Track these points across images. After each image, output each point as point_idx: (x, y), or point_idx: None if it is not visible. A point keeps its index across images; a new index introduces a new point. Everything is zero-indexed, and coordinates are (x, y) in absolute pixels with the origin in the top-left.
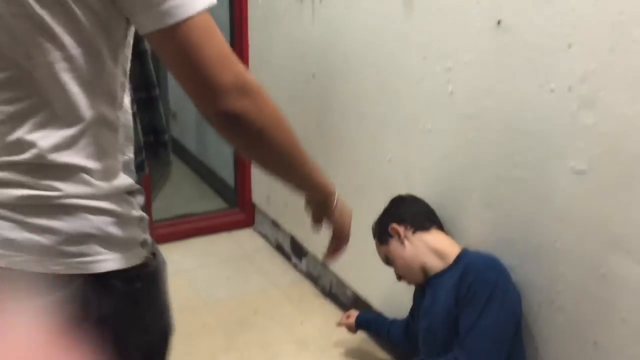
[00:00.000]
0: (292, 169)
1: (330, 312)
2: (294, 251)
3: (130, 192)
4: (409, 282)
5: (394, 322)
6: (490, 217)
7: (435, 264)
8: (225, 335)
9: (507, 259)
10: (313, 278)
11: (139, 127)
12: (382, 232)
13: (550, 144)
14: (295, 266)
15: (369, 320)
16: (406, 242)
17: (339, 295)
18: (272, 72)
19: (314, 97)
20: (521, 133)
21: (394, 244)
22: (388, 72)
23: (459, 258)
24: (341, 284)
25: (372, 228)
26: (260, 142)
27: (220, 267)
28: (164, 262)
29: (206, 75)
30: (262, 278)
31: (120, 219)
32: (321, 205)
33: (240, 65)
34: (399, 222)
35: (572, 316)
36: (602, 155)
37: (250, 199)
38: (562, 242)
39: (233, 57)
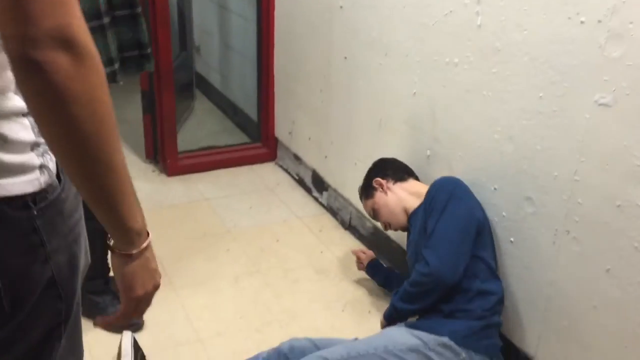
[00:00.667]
0: (89, 169)
1: (349, 244)
2: (315, 185)
3: (25, 114)
4: (395, 229)
5: (402, 280)
6: (511, 149)
7: (413, 204)
8: (247, 260)
9: (526, 191)
10: (333, 211)
11: (110, 40)
12: (367, 187)
13: (576, 77)
14: (315, 199)
15: (379, 271)
16: (389, 192)
17: (359, 228)
18: (301, 3)
19: (341, 29)
20: (548, 66)
21: (378, 195)
22: (416, 4)
23: (428, 190)
24: (361, 216)
25: (359, 189)
26: (61, 114)
27: (243, 198)
28: (75, 193)
29: (23, 9)
30: (284, 209)
31: (9, 143)
32: (123, 244)
33: (75, 19)
34: (382, 177)
35: (586, 245)
36: (627, 88)
37: (272, 133)
38: (581, 174)
39: (69, 8)
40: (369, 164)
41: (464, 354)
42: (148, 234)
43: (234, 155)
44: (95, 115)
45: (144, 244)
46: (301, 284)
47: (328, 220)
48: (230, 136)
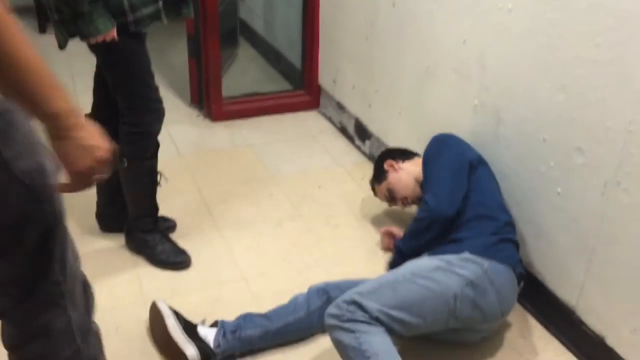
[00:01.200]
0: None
1: None
2: (357, 133)
3: None
4: (413, 201)
5: None
6: (563, 99)
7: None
8: (290, 205)
9: (577, 141)
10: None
11: None
12: (379, 172)
13: (636, 24)
14: (358, 148)
15: (403, 255)
16: (400, 170)
17: None
18: None
19: None
20: (605, 12)
21: (391, 176)
22: None
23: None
24: None
25: (371, 182)
26: None
27: (286, 145)
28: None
29: None
30: (326, 157)
31: None
32: (48, 127)
33: None
34: (392, 159)
35: (637, 197)
36: None
37: (316, 81)
38: (636, 124)
39: None
40: (414, 113)
41: (486, 264)
42: (80, 115)
43: (277, 103)
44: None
45: (72, 123)
46: (342, 229)
47: (369, 168)
48: (274, 83)
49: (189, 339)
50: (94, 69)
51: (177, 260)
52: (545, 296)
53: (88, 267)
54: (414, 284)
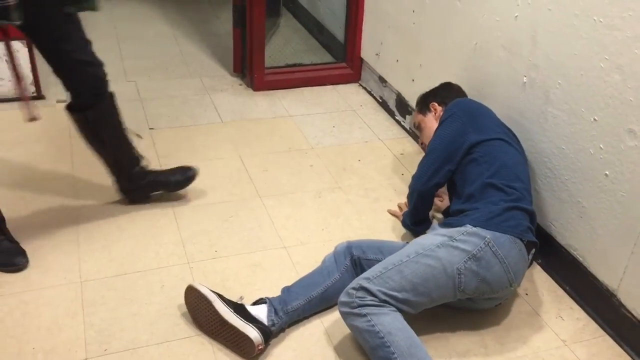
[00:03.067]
0: None
1: None
2: (398, 108)
3: None
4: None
5: None
6: (618, 79)
7: None
8: (330, 177)
9: (629, 123)
10: (416, 135)
11: None
12: (424, 104)
13: None
14: (398, 122)
15: (412, 228)
16: (437, 119)
17: None
18: None
19: None
20: None
21: (429, 117)
22: None
23: None
24: None
25: (418, 99)
26: None
27: (326, 117)
28: None
29: None
30: (366, 130)
31: None
32: None
33: None
34: (439, 102)
35: None
36: None
37: (358, 54)
38: None
39: None
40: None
41: (488, 236)
42: None
43: (319, 74)
44: None
45: None
46: (382, 203)
47: (410, 144)
48: (315, 55)
49: (246, 321)
50: (138, 34)
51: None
52: (585, 278)
53: (135, 230)
54: (418, 263)
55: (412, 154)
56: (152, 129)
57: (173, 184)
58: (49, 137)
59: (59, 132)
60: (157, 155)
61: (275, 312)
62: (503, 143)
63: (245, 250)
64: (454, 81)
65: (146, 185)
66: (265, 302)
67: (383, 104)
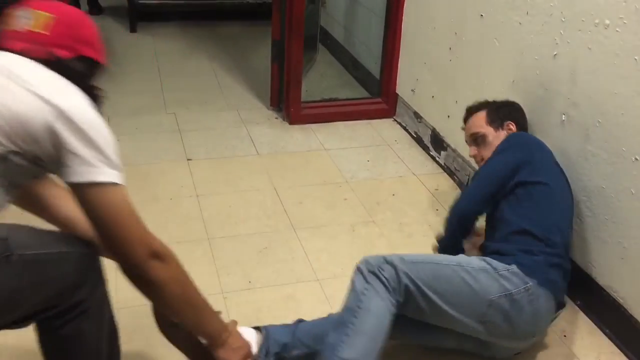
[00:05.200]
0: (187, 317)
1: None
2: (433, 144)
3: None
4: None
5: None
6: None
7: None
8: (364, 210)
9: None
10: (450, 171)
11: None
12: (499, 118)
13: None
14: (433, 158)
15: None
16: (503, 136)
17: None
18: None
19: None
20: None
21: (500, 134)
22: None
23: None
24: None
25: (491, 106)
26: (164, 299)
27: (361, 151)
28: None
29: (124, 250)
30: (400, 165)
31: None
32: (210, 342)
33: (152, 237)
34: (515, 123)
35: None
36: None
37: (394, 89)
38: None
39: (147, 231)
40: None
41: (530, 283)
42: (228, 329)
43: (354, 109)
44: (183, 292)
45: (226, 336)
46: (416, 238)
47: (444, 180)
48: (350, 90)
49: None
50: (178, 68)
51: None
52: (626, 321)
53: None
54: (456, 273)
55: (447, 190)
56: (190, 159)
57: None
58: None
59: None
60: (193, 185)
61: (266, 353)
62: (551, 189)
63: (279, 282)
64: None
65: None
66: (260, 330)
67: (418, 140)
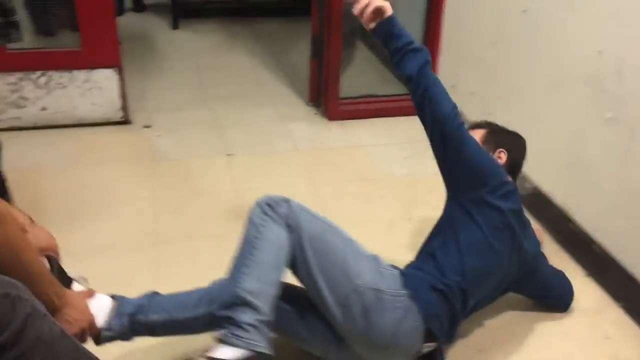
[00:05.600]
0: (20, 281)
1: None
2: None
3: None
4: None
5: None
6: None
7: None
8: (401, 207)
9: None
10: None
11: None
12: (494, 143)
13: None
14: None
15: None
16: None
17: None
18: None
19: None
20: None
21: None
22: None
23: None
24: (520, 177)
25: (493, 128)
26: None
27: (399, 148)
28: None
29: None
30: None
31: None
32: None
33: None
34: (508, 153)
35: None
36: None
37: None
38: None
39: None
40: (538, 124)
41: (404, 291)
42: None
43: (392, 105)
44: (13, 255)
45: (60, 304)
46: None
47: None
48: (389, 86)
49: None
50: (218, 64)
51: None
52: None
53: (209, 255)
54: (343, 245)
55: None
56: (229, 155)
57: None
58: (133, 160)
59: (142, 155)
60: (233, 180)
61: (119, 315)
62: (488, 239)
63: None
64: (532, 116)
65: None
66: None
67: None
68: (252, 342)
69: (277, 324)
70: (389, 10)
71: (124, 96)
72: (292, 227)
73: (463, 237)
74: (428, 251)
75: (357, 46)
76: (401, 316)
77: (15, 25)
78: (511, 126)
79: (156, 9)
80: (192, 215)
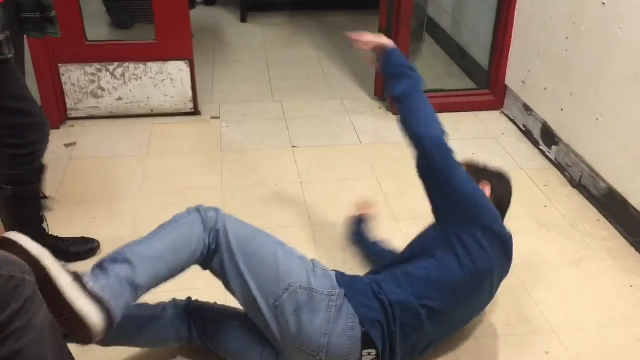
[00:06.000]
0: None
1: (577, 202)
2: (543, 138)
3: None
4: None
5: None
6: None
7: None
8: None
9: None
10: (562, 167)
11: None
12: (477, 172)
13: None
14: (542, 153)
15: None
16: None
17: (589, 187)
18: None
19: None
20: None
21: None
22: None
23: None
24: (594, 176)
25: (479, 167)
26: None
27: (466, 144)
28: None
29: None
30: (507, 159)
31: None
32: None
33: None
34: (489, 185)
35: None
36: None
37: (503, 81)
38: None
39: None
40: (616, 121)
41: (337, 290)
42: None
43: (460, 100)
44: None
45: None
46: (521, 235)
47: (554, 175)
48: (456, 81)
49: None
50: (285, 57)
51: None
52: None
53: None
54: (272, 246)
55: (558, 187)
56: (294, 147)
57: (73, 254)
58: (202, 150)
59: (211, 145)
60: (298, 171)
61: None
62: (443, 271)
63: None
64: (607, 113)
65: None
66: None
67: (527, 133)
68: (106, 291)
69: (214, 340)
70: (389, 46)
71: (194, 88)
72: (219, 232)
73: (438, 274)
74: (393, 269)
75: (424, 40)
76: (335, 316)
77: (51, 21)
78: (585, 122)
79: (226, 3)
80: (258, 206)
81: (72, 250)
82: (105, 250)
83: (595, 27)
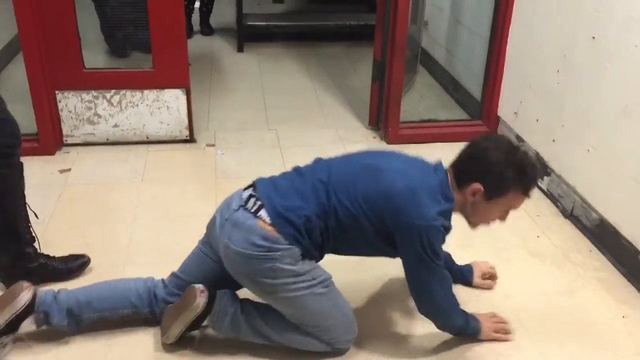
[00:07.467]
0: None
1: (569, 232)
2: None
3: None
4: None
5: None
6: None
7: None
8: (459, 234)
9: None
10: (554, 197)
11: None
12: (464, 174)
13: None
14: None
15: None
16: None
17: (581, 218)
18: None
19: (592, 6)
20: None
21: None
22: None
23: None
24: (586, 207)
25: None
26: None
27: None
28: None
29: None
30: None
31: None
32: None
33: None
34: (482, 183)
35: None
36: None
37: (495, 112)
38: None
39: None
40: (606, 153)
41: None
42: None
43: (453, 131)
44: None
45: None
46: (514, 264)
47: (546, 206)
48: (450, 111)
49: None
50: (281, 86)
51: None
52: None
53: None
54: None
55: (550, 217)
56: None
57: (65, 271)
58: (197, 177)
59: (206, 173)
60: None
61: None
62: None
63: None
64: (598, 144)
65: (35, 269)
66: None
67: None
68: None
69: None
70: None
71: (190, 115)
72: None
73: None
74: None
75: (418, 71)
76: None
77: None
78: (576, 153)
79: (223, 33)
80: None
81: (64, 267)
82: (96, 276)
83: (585, 60)
